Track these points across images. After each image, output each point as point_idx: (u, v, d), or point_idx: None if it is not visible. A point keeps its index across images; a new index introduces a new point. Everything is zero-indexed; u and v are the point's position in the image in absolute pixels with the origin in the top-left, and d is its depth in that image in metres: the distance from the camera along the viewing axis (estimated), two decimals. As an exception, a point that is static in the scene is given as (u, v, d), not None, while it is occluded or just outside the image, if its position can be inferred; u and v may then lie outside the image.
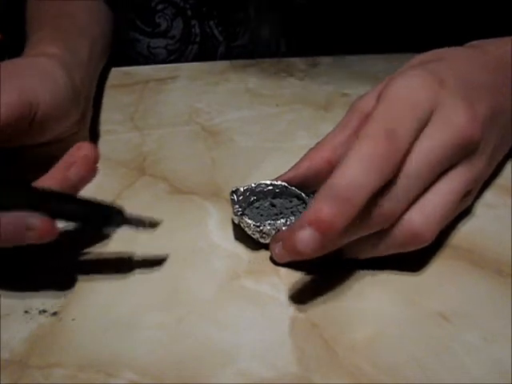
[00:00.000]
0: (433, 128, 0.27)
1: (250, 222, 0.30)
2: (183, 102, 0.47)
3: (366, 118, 0.27)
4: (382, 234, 0.28)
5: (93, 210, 0.27)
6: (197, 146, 0.41)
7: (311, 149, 0.32)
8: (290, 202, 0.32)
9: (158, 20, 0.55)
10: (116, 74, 0.51)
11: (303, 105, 0.45)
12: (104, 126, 0.43)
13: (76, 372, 0.24)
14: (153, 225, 0.29)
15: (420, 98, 0.27)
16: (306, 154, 0.32)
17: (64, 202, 0.27)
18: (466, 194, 0.29)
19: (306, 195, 0.32)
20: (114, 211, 0.28)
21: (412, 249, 0.28)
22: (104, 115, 0.45)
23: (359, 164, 0.25)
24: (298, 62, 0.53)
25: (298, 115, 0.44)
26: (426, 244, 0.28)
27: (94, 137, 0.42)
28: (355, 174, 0.25)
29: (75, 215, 0.27)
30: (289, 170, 0.32)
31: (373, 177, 0.25)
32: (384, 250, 0.28)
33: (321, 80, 0.49)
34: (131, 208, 0.34)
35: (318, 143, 0.32)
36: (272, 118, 0.44)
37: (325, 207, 0.24)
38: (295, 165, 0.32)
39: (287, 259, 0.29)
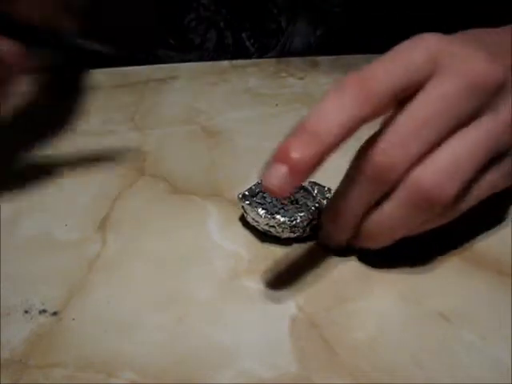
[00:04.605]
0: (442, 75, 0.25)
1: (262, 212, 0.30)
2: (183, 102, 0.47)
3: None
4: (389, 201, 0.26)
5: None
6: (197, 145, 0.41)
7: None
8: (296, 192, 0.33)
9: (190, 36, 0.55)
10: (116, 73, 0.51)
11: (303, 105, 0.45)
12: (104, 126, 0.43)
13: (76, 372, 0.24)
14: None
15: (420, 46, 0.25)
16: None
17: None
18: (502, 154, 0.26)
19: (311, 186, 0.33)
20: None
21: (427, 215, 0.25)
22: (104, 115, 0.45)
23: (328, 100, 0.25)
24: (298, 62, 0.53)
25: (297, 115, 0.44)
26: (443, 205, 0.25)
27: (94, 136, 0.42)
28: (324, 110, 0.25)
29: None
30: None
31: (343, 112, 0.24)
32: (396, 221, 0.26)
33: (321, 80, 0.49)
34: (131, 208, 0.34)
35: None
36: (272, 118, 0.44)
37: (292, 141, 0.25)
38: None
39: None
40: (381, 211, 0.27)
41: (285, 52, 0.56)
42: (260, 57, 0.56)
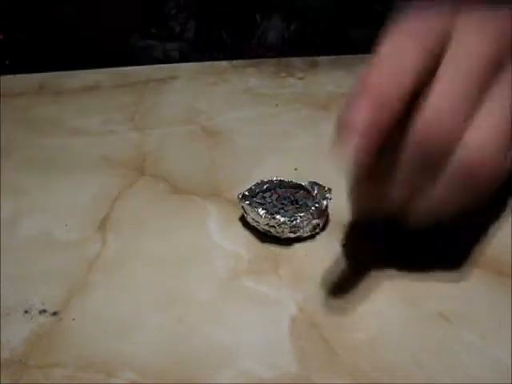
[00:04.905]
0: (463, 35, 0.24)
1: (262, 212, 0.31)
2: (183, 102, 0.47)
3: None
4: (442, 176, 0.25)
5: None
6: (197, 145, 0.41)
7: None
8: (296, 192, 0.33)
9: (171, 24, 0.56)
10: (116, 73, 0.51)
11: (303, 105, 0.45)
12: (104, 126, 0.43)
13: (76, 372, 0.24)
14: None
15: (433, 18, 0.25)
16: None
17: None
18: None
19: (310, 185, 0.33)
20: None
21: (483, 183, 0.24)
22: (104, 115, 0.45)
23: (381, 56, 0.24)
24: (298, 62, 0.53)
25: (297, 115, 0.44)
26: (495, 172, 0.24)
27: (94, 136, 0.42)
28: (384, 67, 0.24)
29: None
30: None
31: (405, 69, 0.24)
32: (447, 197, 0.25)
33: (321, 80, 0.49)
34: (131, 208, 0.34)
35: None
36: (272, 118, 0.44)
37: (358, 106, 0.23)
38: None
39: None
40: (430, 194, 0.25)
41: (260, 45, 0.57)
42: (237, 49, 0.57)
